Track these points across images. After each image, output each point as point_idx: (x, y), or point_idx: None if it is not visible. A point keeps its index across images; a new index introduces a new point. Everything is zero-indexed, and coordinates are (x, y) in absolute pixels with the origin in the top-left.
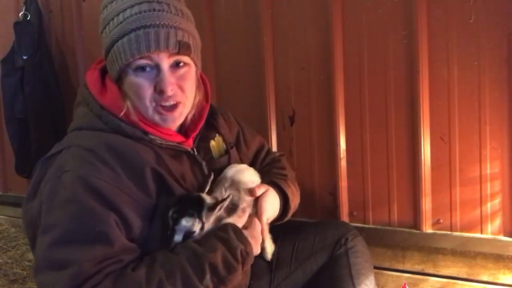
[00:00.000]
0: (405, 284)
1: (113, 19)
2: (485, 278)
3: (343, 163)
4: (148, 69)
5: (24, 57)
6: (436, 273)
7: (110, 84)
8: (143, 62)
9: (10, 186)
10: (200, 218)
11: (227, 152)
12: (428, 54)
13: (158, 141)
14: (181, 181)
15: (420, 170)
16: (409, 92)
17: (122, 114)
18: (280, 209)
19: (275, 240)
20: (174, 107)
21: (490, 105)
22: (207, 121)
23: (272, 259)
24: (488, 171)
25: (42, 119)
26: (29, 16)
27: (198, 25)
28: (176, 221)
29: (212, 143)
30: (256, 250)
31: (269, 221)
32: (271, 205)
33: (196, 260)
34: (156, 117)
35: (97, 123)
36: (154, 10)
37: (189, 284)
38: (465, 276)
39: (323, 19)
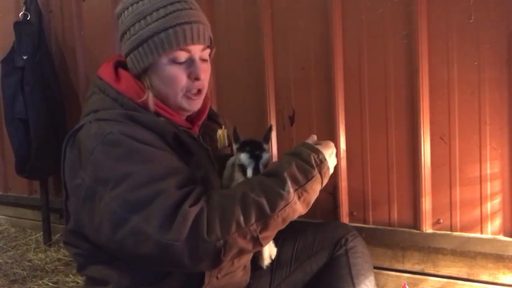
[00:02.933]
0: (405, 284)
1: (151, 13)
2: (485, 278)
3: (343, 163)
4: (183, 59)
5: (24, 57)
6: (436, 273)
7: (124, 73)
8: (181, 53)
9: (10, 186)
10: (268, 149)
11: (229, 145)
12: (428, 54)
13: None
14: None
15: (420, 170)
16: (409, 92)
17: (140, 101)
18: None
19: (275, 240)
20: (199, 92)
21: (490, 105)
22: (210, 118)
23: (272, 259)
24: (488, 171)
25: (42, 119)
26: (29, 16)
27: None
28: (259, 156)
29: (219, 132)
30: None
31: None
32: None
33: (273, 174)
34: (184, 102)
35: (113, 105)
36: (191, 8)
37: (270, 191)
38: (465, 276)
39: (323, 19)
